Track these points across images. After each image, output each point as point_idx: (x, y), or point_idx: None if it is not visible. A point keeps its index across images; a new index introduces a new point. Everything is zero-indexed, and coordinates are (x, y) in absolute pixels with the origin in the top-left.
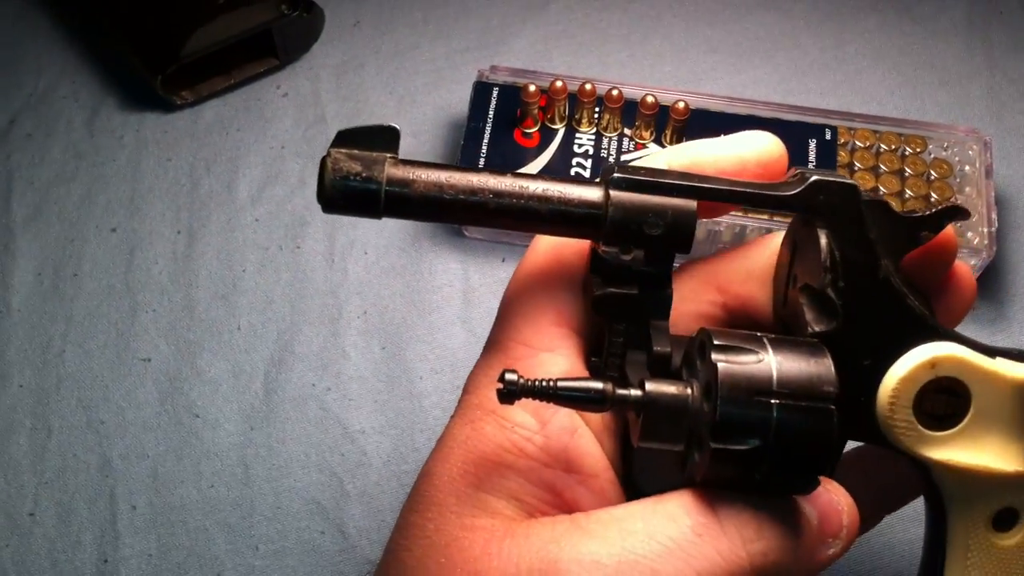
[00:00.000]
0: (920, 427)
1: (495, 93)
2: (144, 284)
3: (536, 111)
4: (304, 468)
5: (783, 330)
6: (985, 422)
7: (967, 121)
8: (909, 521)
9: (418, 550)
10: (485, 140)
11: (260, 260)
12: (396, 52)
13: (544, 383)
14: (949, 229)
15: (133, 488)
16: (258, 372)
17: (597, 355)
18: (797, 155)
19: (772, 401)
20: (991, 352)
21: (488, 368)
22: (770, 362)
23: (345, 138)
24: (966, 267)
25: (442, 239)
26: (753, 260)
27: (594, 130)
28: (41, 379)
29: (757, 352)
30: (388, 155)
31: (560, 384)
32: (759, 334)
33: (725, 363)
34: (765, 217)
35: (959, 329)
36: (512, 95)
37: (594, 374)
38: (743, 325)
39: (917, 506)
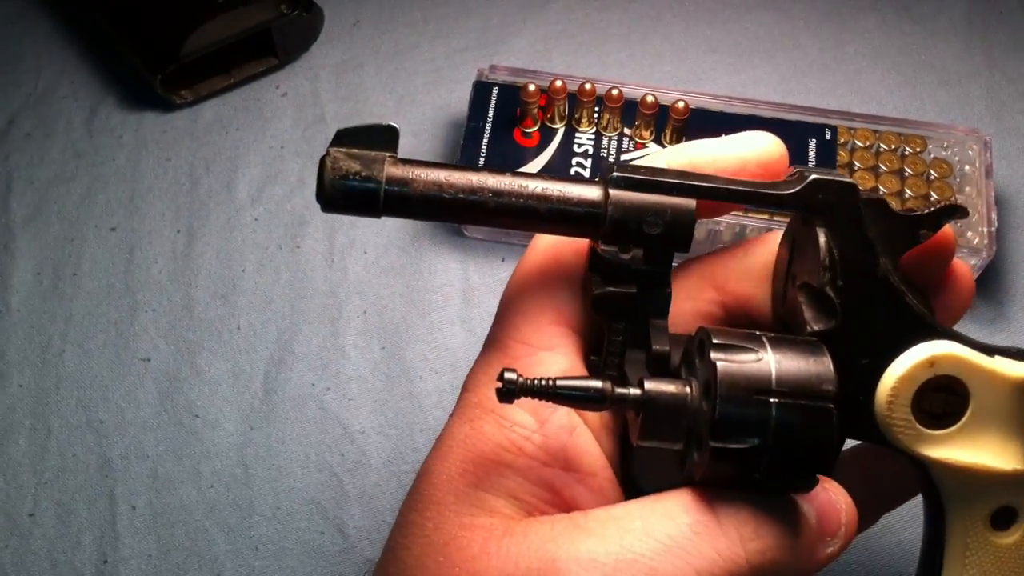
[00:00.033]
0: (918, 425)
1: (495, 93)
2: (143, 284)
3: (536, 111)
4: (304, 468)
5: (782, 329)
6: (983, 421)
7: (967, 121)
8: (908, 521)
9: (417, 548)
10: (485, 140)
11: (259, 260)
12: (396, 52)
13: (543, 382)
14: (947, 228)
15: (133, 488)
16: (258, 372)
17: (596, 354)
18: (797, 155)
19: (771, 400)
20: (989, 351)
21: (487, 367)
22: (769, 361)
23: (344, 137)
24: (964, 265)
25: (442, 239)
26: (752, 259)
27: (594, 130)
28: (40, 379)
29: (756, 351)
30: (387, 154)
31: (559, 383)
32: (758, 333)
33: (724, 362)
34: (765, 217)
35: (958, 328)
36: (512, 95)
37: (593, 373)
38: (742, 324)
39: (916, 505)
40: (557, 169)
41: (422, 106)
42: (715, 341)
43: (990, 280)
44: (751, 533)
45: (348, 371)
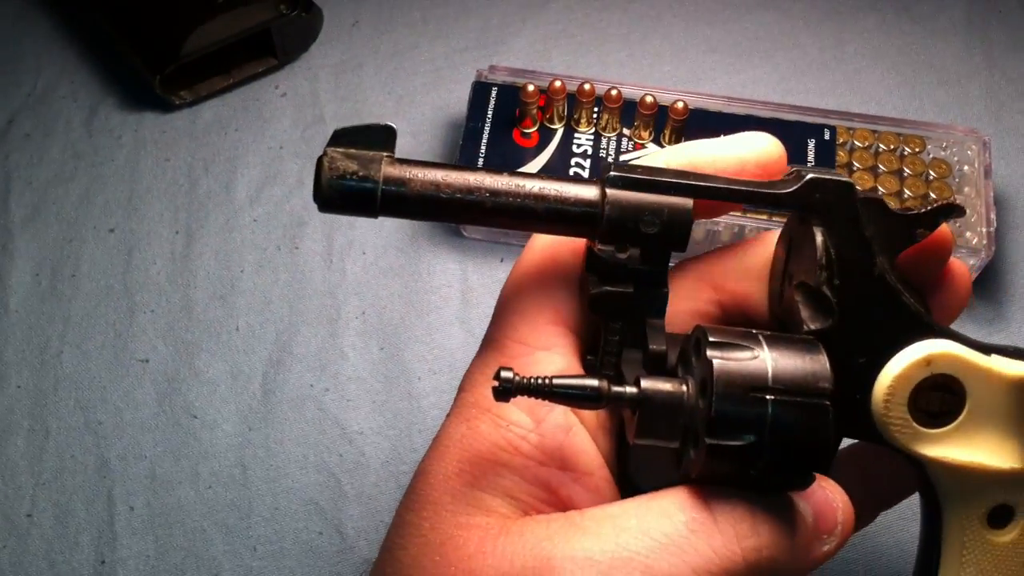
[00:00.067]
0: (915, 424)
1: (494, 93)
2: (142, 285)
3: (535, 111)
4: (302, 469)
5: (779, 328)
6: (980, 419)
7: (966, 121)
8: (907, 520)
9: (413, 548)
10: (484, 140)
11: (258, 260)
12: (395, 52)
13: (539, 380)
14: (944, 227)
15: (131, 489)
16: (256, 373)
17: (593, 354)
18: (796, 155)
19: (767, 397)
20: (986, 349)
21: (484, 366)
22: (765, 358)
23: (341, 137)
24: (962, 264)
25: (441, 239)
26: (749, 258)
27: (593, 130)
28: (39, 380)
29: (752, 349)
30: (385, 154)
31: (555, 381)
32: (754, 331)
33: (720, 359)
34: (764, 217)
35: (957, 327)
36: (511, 95)
37: (590, 372)
38: (739, 323)
39: (914, 505)
40: (556, 170)
41: (421, 106)
42: (711, 339)
43: (989, 280)
44: (747, 531)
45: (347, 372)
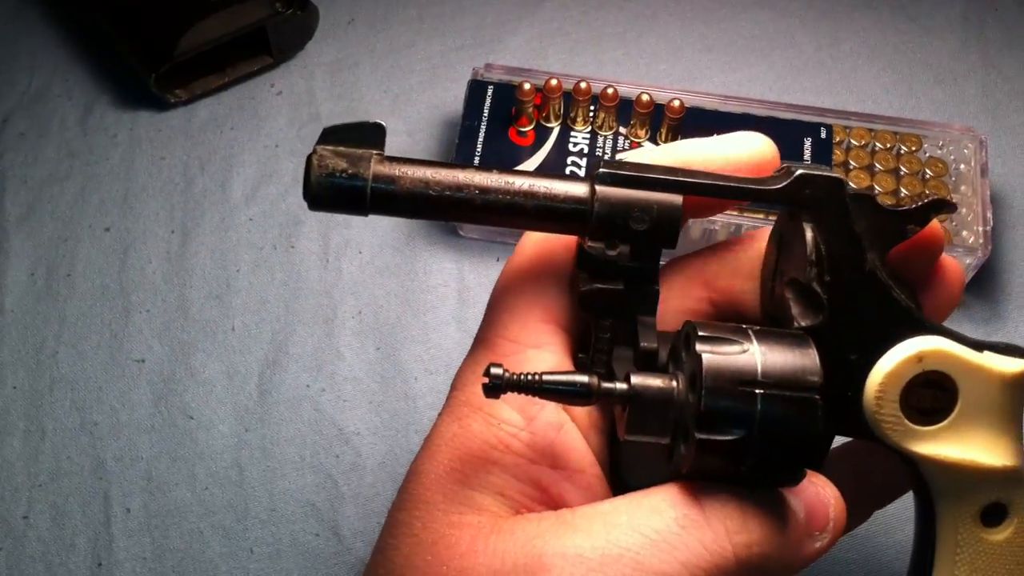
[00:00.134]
0: (907, 421)
1: (490, 91)
2: (138, 284)
3: (531, 109)
4: (299, 470)
5: (771, 325)
6: (972, 416)
7: (962, 119)
8: (905, 520)
9: (406, 548)
10: (480, 138)
11: (254, 260)
12: (391, 50)
13: (529, 377)
14: (935, 222)
15: (127, 490)
16: (252, 373)
17: (585, 352)
18: (793, 154)
19: (757, 391)
20: (978, 346)
21: (475, 365)
22: (755, 353)
23: (331, 135)
24: (954, 261)
25: (437, 239)
26: (740, 255)
27: (589, 129)
28: (34, 380)
29: (742, 343)
30: (374, 152)
31: (545, 378)
32: (744, 326)
33: (710, 354)
34: (760, 216)
35: (953, 326)
36: (507, 93)
37: (581, 370)
38: (730, 320)
39: (911, 505)
40: (552, 168)
41: (417, 105)
42: (700, 333)
43: (985, 279)
44: (738, 526)
45: (343, 372)
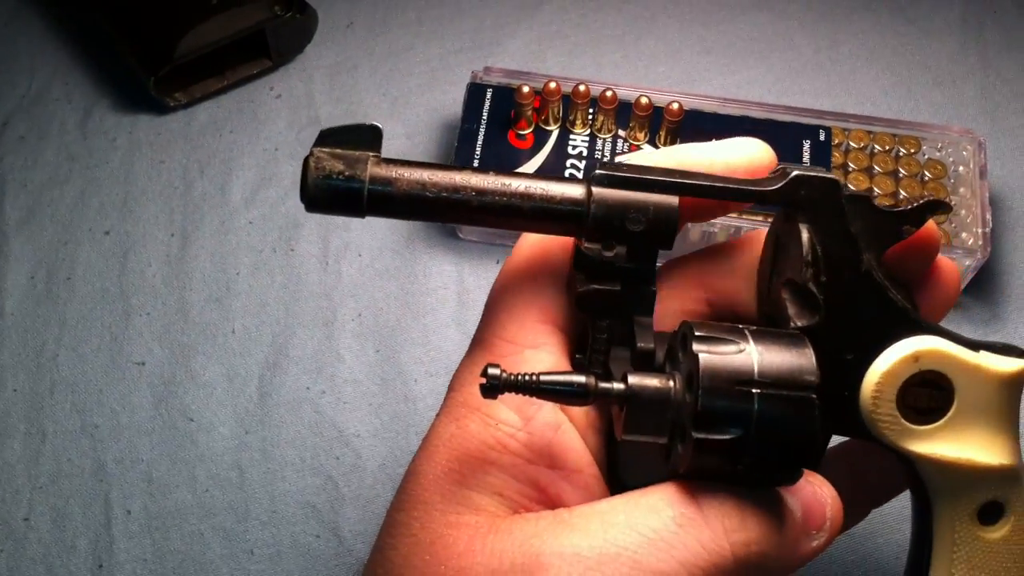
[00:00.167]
0: (904, 421)
1: (489, 94)
2: (138, 287)
3: (530, 112)
4: (299, 472)
5: (767, 325)
6: (969, 415)
7: (961, 121)
8: (905, 520)
9: (404, 548)
10: (479, 142)
11: (254, 263)
12: (390, 53)
13: (527, 377)
14: (931, 223)
15: (127, 493)
16: (252, 375)
17: (582, 352)
18: (791, 156)
19: (753, 391)
20: (974, 345)
21: (473, 365)
22: (751, 352)
23: (328, 137)
24: (949, 261)
25: (436, 241)
26: (737, 257)
27: (588, 131)
28: (35, 383)
29: (738, 343)
30: (371, 154)
31: (543, 378)
32: (740, 326)
33: (707, 353)
34: (759, 219)
35: (953, 328)
36: (506, 96)
37: (578, 370)
38: (727, 321)
39: (907, 504)
40: (552, 171)
41: (416, 108)
42: (697, 333)
43: (985, 281)
44: (735, 525)
45: (343, 374)
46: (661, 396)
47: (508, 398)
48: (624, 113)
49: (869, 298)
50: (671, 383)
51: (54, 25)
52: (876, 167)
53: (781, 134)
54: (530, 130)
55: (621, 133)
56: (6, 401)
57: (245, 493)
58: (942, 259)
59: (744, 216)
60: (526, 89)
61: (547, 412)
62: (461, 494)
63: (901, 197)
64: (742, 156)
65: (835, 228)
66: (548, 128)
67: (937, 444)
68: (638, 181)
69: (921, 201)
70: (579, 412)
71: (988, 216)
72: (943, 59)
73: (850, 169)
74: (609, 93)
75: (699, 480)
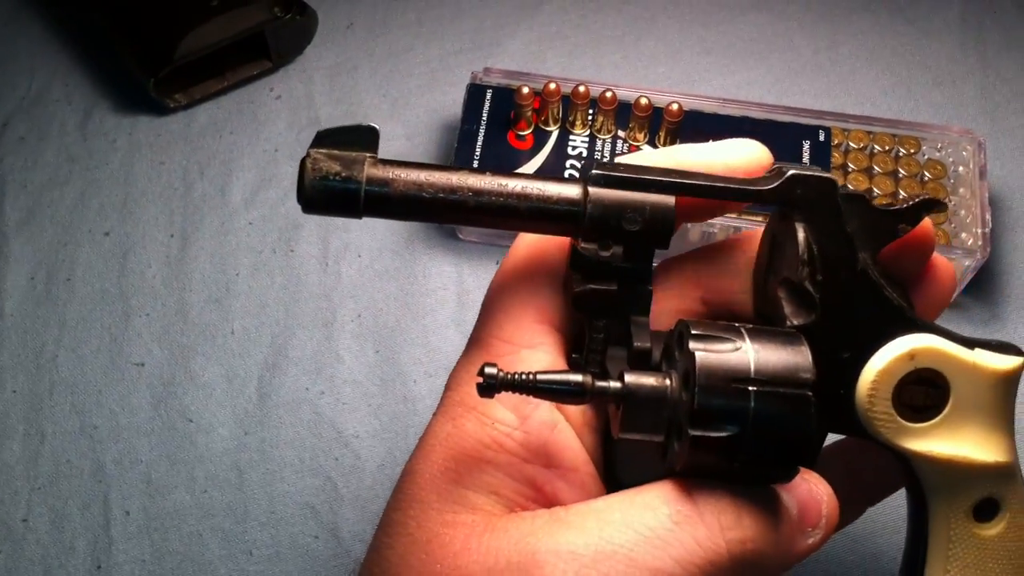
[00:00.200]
0: (899, 419)
1: (489, 95)
2: (137, 288)
3: (530, 113)
4: (298, 472)
5: (763, 324)
6: (964, 413)
7: (961, 122)
8: (904, 520)
9: (400, 547)
10: (479, 142)
11: (253, 264)
12: (389, 54)
13: (523, 376)
14: (927, 221)
15: (126, 493)
16: (252, 376)
17: (579, 352)
18: (791, 157)
19: (750, 388)
20: (969, 343)
21: (469, 365)
22: (747, 350)
23: (325, 138)
24: (945, 260)
25: (436, 242)
26: (733, 256)
27: (588, 132)
28: (34, 384)
29: (734, 341)
30: (368, 155)
31: (539, 377)
32: (737, 324)
33: (703, 351)
34: (759, 219)
35: (952, 327)
36: (506, 97)
37: (575, 369)
38: (724, 320)
39: (901, 505)
40: (551, 172)
41: (416, 109)
42: (693, 332)
43: (984, 281)
44: (731, 522)
45: (342, 375)
46: (657, 394)
47: (505, 397)
48: (624, 114)
49: (865, 296)
50: (667, 381)
51: (54, 26)
52: (876, 167)
53: (781, 135)
54: (530, 131)
55: (621, 134)
56: (5, 402)
57: (244, 494)
58: (938, 257)
59: (743, 216)
60: (526, 90)
61: (543, 411)
62: (457, 493)
63: (900, 197)
64: (740, 157)
65: (831, 227)
66: (548, 129)
67: (933, 441)
68: (634, 181)
69: (917, 200)
70: (575, 411)
71: (988, 216)
72: (943, 59)
73: (850, 169)
74: (609, 94)
75: (695, 478)
